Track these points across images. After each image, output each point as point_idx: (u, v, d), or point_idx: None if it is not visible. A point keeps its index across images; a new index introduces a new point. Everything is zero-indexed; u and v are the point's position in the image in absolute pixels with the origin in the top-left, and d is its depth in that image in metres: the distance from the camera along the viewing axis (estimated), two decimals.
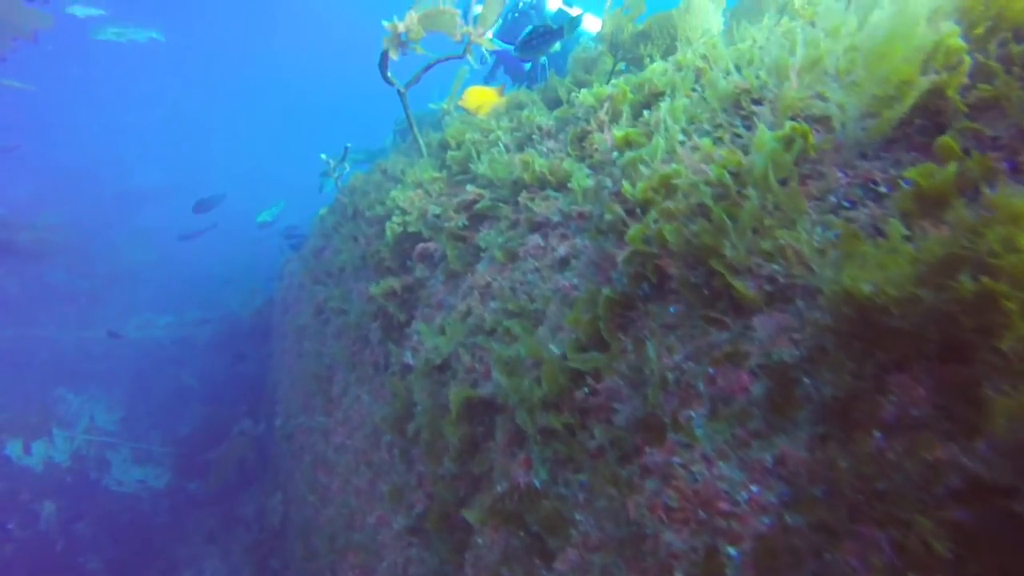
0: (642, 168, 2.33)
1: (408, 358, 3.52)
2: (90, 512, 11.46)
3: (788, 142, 1.76)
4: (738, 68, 2.85)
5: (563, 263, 2.56)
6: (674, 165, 2.22)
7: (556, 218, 2.82)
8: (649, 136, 2.63)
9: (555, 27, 4.51)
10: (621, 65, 4.89)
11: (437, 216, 3.97)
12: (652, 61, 4.71)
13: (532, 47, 4.48)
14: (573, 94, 4.22)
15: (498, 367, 2.37)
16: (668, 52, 4.57)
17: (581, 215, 2.64)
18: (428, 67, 4.74)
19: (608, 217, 2.26)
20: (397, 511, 3.43)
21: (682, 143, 2.34)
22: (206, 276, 15.33)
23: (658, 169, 2.29)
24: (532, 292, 2.60)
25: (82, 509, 11.48)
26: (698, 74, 3.27)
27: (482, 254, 3.28)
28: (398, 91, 4.72)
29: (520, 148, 4.11)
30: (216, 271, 15.10)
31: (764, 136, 1.79)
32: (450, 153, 4.46)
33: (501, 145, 4.07)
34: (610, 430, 1.89)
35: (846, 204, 1.60)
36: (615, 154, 2.70)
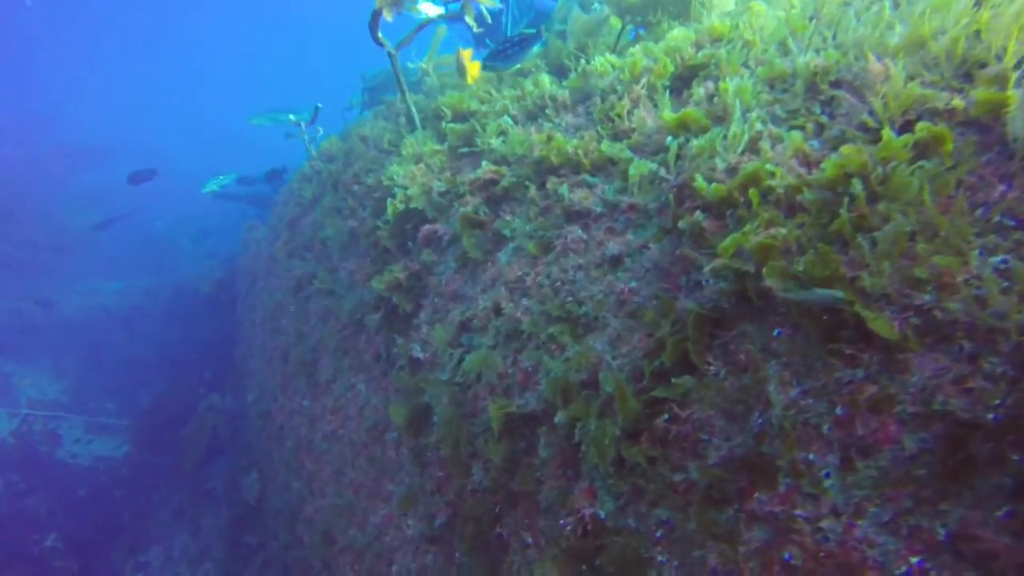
0: (717, 161, 2.04)
1: (417, 352, 3.19)
2: (43, 487, 10.79)
3: (924, 147, 1.50)
4: (797, 43, 2.56)
5: (614, 262, 2.27)
6: (758, 160, 1.93)
7: (598, 208, 2.51)
8: (714, 119, 2.33)
9: (529, 35, 4.12)
10: (629, 31, 4.51)
11: (442, 194, 3.58)
12: (664, 27, 4.35)
13: (507, 57, 4.09)
14: (585, 62, 3.84)
15: (550, 387, 2.09)
16: (678, 17, 4.21)
17: (633, 207, 2.34)
18: (421, 27, 4.24)
19: (681, 220, 1.97)
20: (409, 515, 3.16)
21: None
22: (156, 239, 14.29)
23: (738, 163, 2.00)
24: (578, 294, 2.31)
25: (33, 484, 10.80)
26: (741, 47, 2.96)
27: (505, 242, 2.94)
28: (388, 53, 4.21)
29: (531, 120, 3.73)
30: (167, 235, 14.06)
31: (893, 143, 1.52)
32: (447, 124, 4.03)
33: (508, 117, 3.68)
34: (703, 467, 1.65)
35: (1010, 223, 1.36)
36: (670, 139, 2.39)
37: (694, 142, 2.14)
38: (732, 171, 2.02)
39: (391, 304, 3.53)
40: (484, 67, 4.25)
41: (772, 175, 1.81)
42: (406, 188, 3.65)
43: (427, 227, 3.45)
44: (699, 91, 2.69)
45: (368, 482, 3.65)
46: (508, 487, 2.39)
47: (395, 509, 3.30)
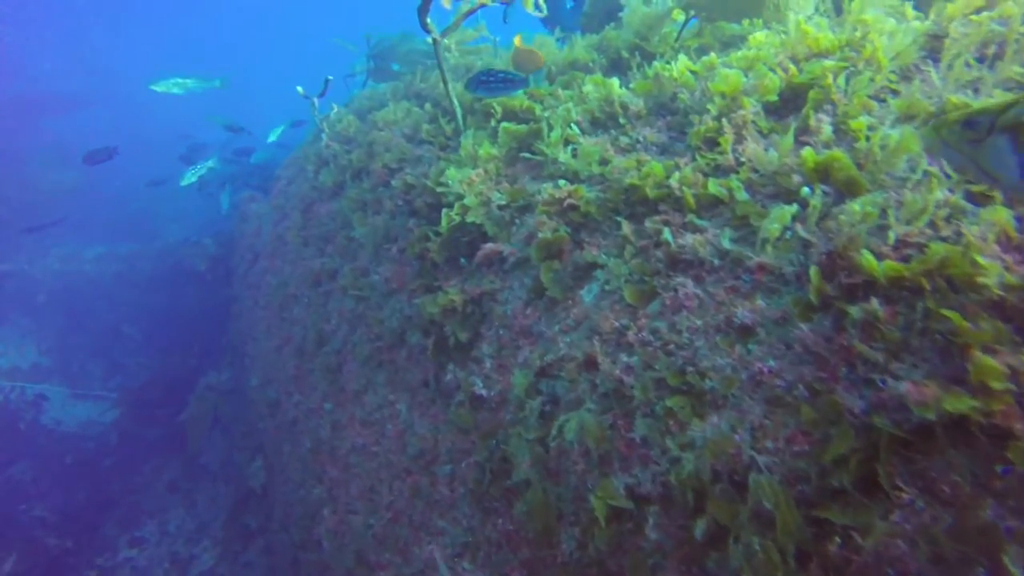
0: (890, 234, 1.74)
1: (480, 388, 2.90)
2: (27, 454, 10.36)
3: None
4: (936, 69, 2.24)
5: (744, 332, 1.98)
6: (949, 240, 1.65)
7: (714, 259, 2.21)
8: (858, 165, 2.02)
9: (517, 77, 3.73)
10: (691, 23, 4.10)
11: (502, 207, 3.22)
12: (729, 26, 3.96)
13: (488, 88, 3.72)
14: (660, 67, 3.46)
15: (681, 478, 1.83)
16: (743, 15, 3.83)
17: (763, 268, 2.04)
18: (470, 12, 3.77)
19: (852, 308, 1.68)
20: (466, 558, 2.93)
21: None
22: (134, 200, 13.39)
23: (909, 236, 1.71)
24: (699, 363, 2.03)
25: (17, 451, 10.36)
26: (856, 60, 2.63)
27: (588, 278, 2.63)
28: (433, 40, 3.74)
29: (600, 130, 3.36)
30: (147, 197, 13.03)
31: None
32: (502, 124, 3.62)
33: (574, 126, 3.30)
34: None
35: None
36: (806, 189, 2.08)
37: (853, 205, 1.84)
38: (905, 245, 1.74)
39: (443, 329, 3.21)
40: (465, 87, 3.87)
41: (975, 264, 1.53)
42: (462, 196, 3.27)
43: (488, 246, 3.09)
44: (823, 127, 2.37)
45: (411, 512, 3.40)
46: (606, 564, 2.16)
47: (448, 548, 3.07)
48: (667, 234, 2.31)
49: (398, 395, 3.68)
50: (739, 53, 3.23)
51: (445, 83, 3.91)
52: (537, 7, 3.73)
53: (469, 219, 3.20)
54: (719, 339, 2.02)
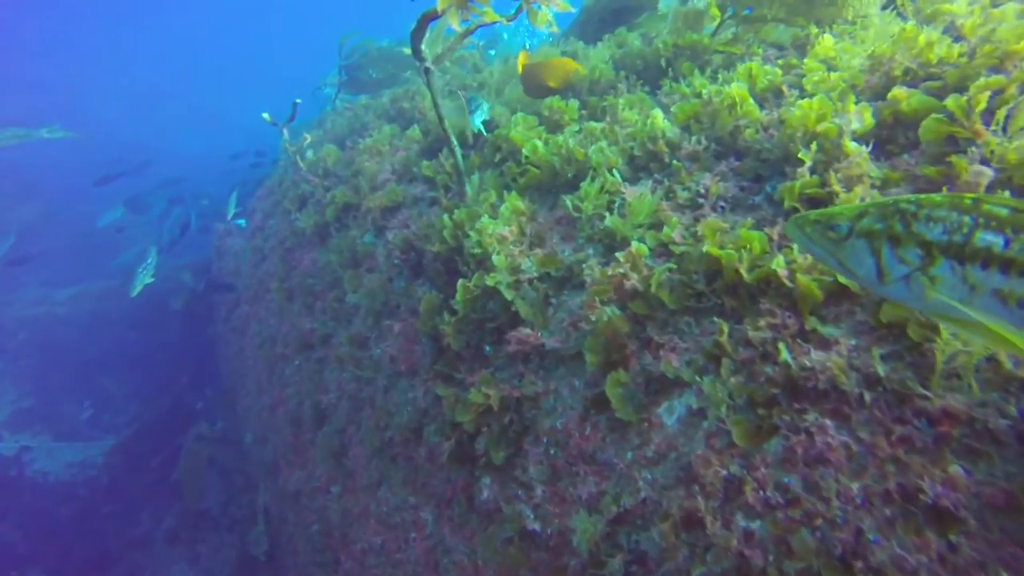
0: None
1: (533, 522, 2.26)
2: (15, 512, 9.60)
3: None
4: None
5: (939, 517, 1.37)
6: None
7: (862, 391, 1.58)
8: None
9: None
10: (730, 29, 3.40)
11: (533, 283, 2.55)
12: (774, 29, 3.27)
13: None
14: (706, 86, 2.78)
15: None
16: (794, 13, 3.15)
17: (951, 416, 1.41)
18: (467, 33, 3.04)
19: None
20: None
21: None
22: (100, 234, 12.36)
23: None
24: (870, 554, 1.41)
25: (2, 510, 9.59)
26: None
27: (667, 391, 1.99)
28: (425, 68, 3.01)
29: (642, 175, 2.69)
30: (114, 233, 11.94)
31: None
32: (525, 172, 2.94)
33: (616, 172, 2.62)
34: None
35: None
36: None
37: None
38: None
39: (471, 436, 2.56)
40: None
41: None
42: (487, 257, 2.59)
43: (523, 333, 2.42)
44: (981, 179, 1.73)
45: None
46: None
47: None
48: (784, 353, 1.67)
49: (421, 500, 3.03)
50: (812, 69, 2.57)
51: (440, 119, 3.17)
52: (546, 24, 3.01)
53: (489, 282, 2.51)
54: (899, 523, 1.40)
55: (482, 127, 3.56)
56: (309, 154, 5.19)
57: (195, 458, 7.16)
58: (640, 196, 2.38)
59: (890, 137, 2.10)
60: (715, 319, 1.90)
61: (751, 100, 2.47)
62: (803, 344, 1.70)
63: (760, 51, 3.20)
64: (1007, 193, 1.73)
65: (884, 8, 3.08)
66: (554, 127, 3.24)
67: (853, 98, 2.05)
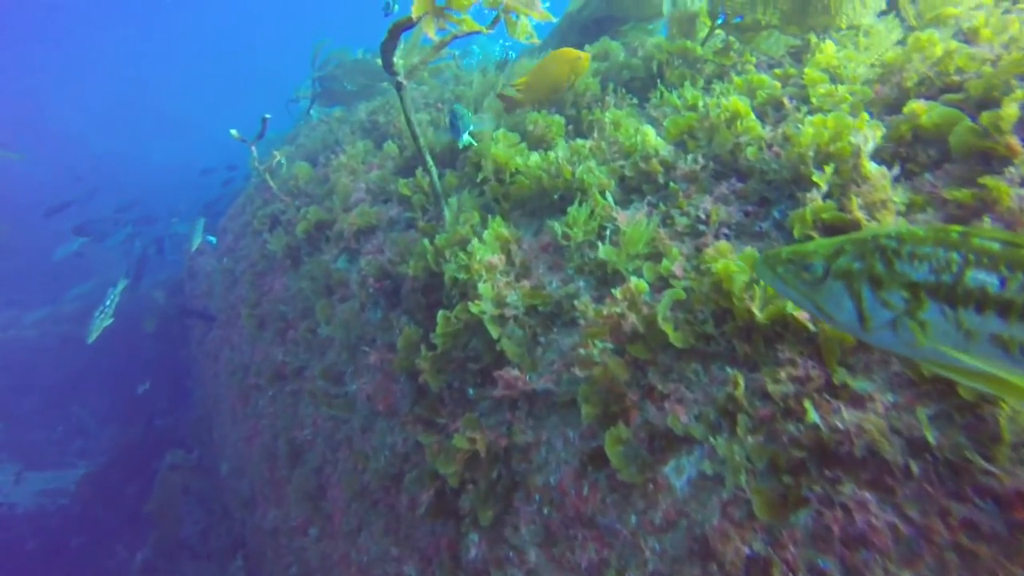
0: None
1: None
2: None
3: None
4: None
5: None
6: None
7: (908, 461, 1.35)
8: None
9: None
10: (718, 38, 3.19)
11: (518, 317, 2.30)
12: (771, 30, 3.07)
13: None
14: (695, 96, 2.56)
15: None
16: (787, 21, 2.94)
17: None
18: (442, 45, 2.78)
19: None
20: None
21: None
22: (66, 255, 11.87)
23: None
24: None
25: None
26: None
27: (674, 447, 1.75)
28: (398, 85, 2.75)
29: (635, 197, 2.45)
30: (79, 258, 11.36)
31: None
32: (508, 194, 2.68)
33: (609, 195, 2.38)
34: None
35: None
36: None
37: None
38: None
39: (453, 491, 2.29)
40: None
41: None
42: (472, 286, 2.33)
43: (509, 374, 2.16)
44: None
45: None
46: None
47: None
48: (812, 413, 1.44)
49: (404, 552, 2.75)
50: (814, 80, 2.35)
51: (415, 137, 2.90)
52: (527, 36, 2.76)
53: (489, 327, 2.25)
54: None
55: (472, 140, 3.30)
56: (284, 171, 4.89)
57: (168, 489, 6.78)
58: (635, 223, 2.14)
59: (909, 155, 1.89)
60: (728, 368, 1.66)
61: (752, 114, 2.25)
62: (831, 400, 1.47)
63: (753, 59, 2.99)
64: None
65: (882, 15, 2.89)
66: (537, 143, 2.99)
67: (866, 115, 1.83)
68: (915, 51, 2.09)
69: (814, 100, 2.21)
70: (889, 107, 2.10)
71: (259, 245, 4.77)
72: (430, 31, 2.19)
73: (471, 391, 2.41)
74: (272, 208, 4.65)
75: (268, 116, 4.84)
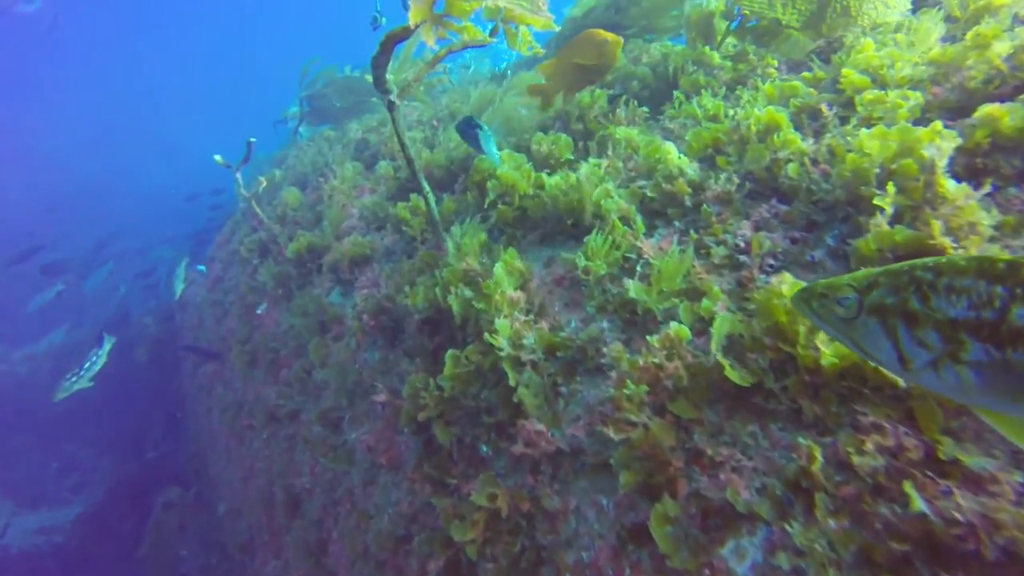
0: None
1: None
2: None
3: None
4: None
5: None
6: None
7: (966, 517, 1.07)
8: None
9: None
10: (731, 43, 2.92)
11: (535, 361, 2.02)
12: (788, 32, 2.80)
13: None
14: (716, 106, 2.29)
15: None
16: (810, 25, 2.68)
17: None
18: (439, 59, 2.51)
19: None
20: None
21: None
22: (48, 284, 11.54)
23: None
24: None
25: None
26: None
27: (733, 526, 1.46)
28: (389, 102, 2.47)
29: (659, 222, 2.18)
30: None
31: None
32: (519, 218, 2.40)
33: (637, 220, 2.10)
34: None
35: None
36: None
37: None
38: None
39: (470, 561, 2.00)
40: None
41: None
42: (488, 322, 2.04)
43: (530, 427, 1.88)
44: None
45: None
46: None
47: None
48: (918, 501, 1.15)
49: None
50: (855, 83, 2.09)
51: (409, 161, 2.62)
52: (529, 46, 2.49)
53: (507, 371, 1.96)
54: None
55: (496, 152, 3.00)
56: (273, 195, 4.61)
57: (163, 532, 6.44)
58: (667, 255, 1.86)
59: (988, 166, 1.62)
60: (800, 439, 1.37)
61: (791, 126, 1.98)
62: (938, 480, 1.19)
63: (775, 62, 2.72)
64: None
65: (913, 12, 2.64)
66: (543, 163, 2.72)
67: (939, 124, 1.57)
68: (974, 46, 1.83)
69: (860, 108, 1.94)
70: (951, 111, 1.84)
71: (247, 275, 4.48)
72: (429, 40, 1.91)
73: (484, 448, 2.12)
74: (260, 235, 4.36)
75: (253, 140, 4.56)
